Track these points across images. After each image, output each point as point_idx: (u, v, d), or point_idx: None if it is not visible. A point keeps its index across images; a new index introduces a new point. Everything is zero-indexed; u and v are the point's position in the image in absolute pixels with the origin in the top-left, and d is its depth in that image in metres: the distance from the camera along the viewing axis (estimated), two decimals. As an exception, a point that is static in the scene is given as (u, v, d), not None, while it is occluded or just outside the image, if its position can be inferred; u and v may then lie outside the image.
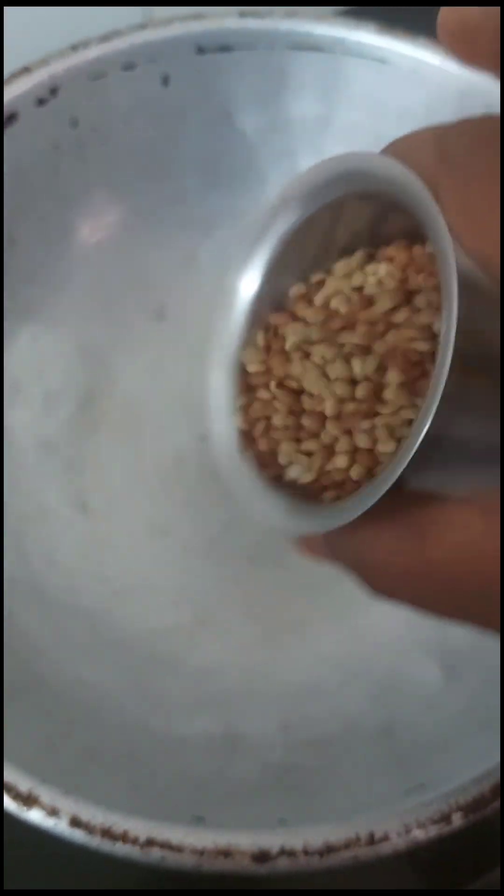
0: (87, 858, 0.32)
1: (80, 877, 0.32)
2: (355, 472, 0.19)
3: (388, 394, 0.18)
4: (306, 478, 0.20)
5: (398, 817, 0.24)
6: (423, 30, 0.36)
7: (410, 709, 0.31)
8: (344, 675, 0.34)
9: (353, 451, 0.19)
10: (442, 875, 0.33)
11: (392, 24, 0.37)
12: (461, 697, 0.30)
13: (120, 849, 0.24)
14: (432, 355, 0.18)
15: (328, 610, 0.36)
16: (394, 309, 0.19)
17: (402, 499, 0.17)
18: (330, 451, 0.19)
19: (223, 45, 0.36)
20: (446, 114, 0.37)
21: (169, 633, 0.35)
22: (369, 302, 0.20)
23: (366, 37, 0.36)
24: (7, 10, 0.41)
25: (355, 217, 0.21)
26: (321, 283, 0.21)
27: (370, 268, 0.20)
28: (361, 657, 0.34)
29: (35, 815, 0.24)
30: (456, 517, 0.16)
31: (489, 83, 0.35)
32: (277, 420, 0.20)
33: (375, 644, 0.34)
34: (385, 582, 0.18)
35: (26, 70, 0.34)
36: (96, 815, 0.24)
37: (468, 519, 0.16)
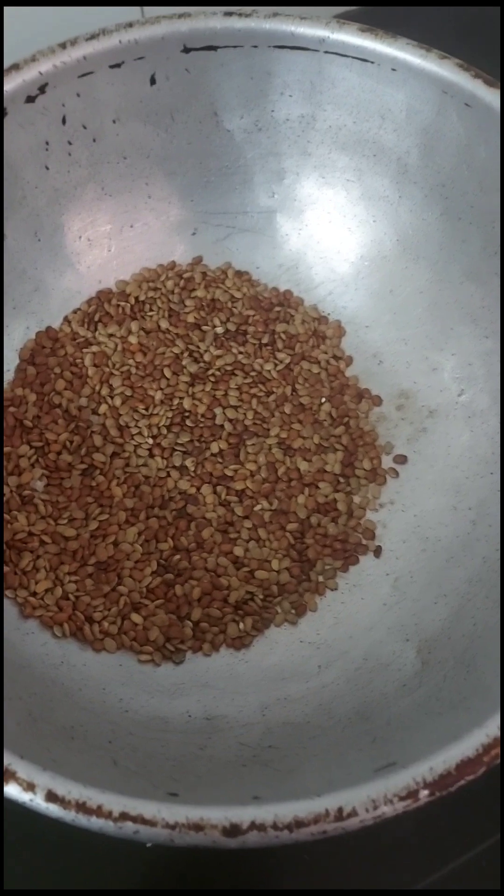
0: (86, 857, 0.33)
1: (81, 876, 0.33)
2: None
3: None
4: None
5: (367, 793, 0.24)
6: (415, 32, 0.37)
7: (386, 691, 0.32)
8: (323, 659, 0.34)
9: None
10: (440, 843, 0.34)
11: (381, 25, 0.38)
12: (435, 679, 0.31)
13: (94, 823, 0.24)
14: None
15: (309, 598, 0.37)
16: None
17: None
18: None
19: (209, 45, 0.37)
20: (427, 114, 0.38)
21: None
22: None
23: (347, 36, 0.36)
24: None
25: None
26: None
27: None
28: (340, 642, 0.35)
29: (12, 790, 0.25)
30: None
31: (469, 82, 0.36)
32: None
33: (354, 629, 0.35)
34: None
35: (15, 67, 0.35)
36: (72, 790, 0.25)
37: None
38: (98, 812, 0.24)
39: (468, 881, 0.34)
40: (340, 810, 0.24)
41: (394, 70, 0.36)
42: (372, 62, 0.37)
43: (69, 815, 0.24)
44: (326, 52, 0.37)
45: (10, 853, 0.33)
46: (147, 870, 0.33)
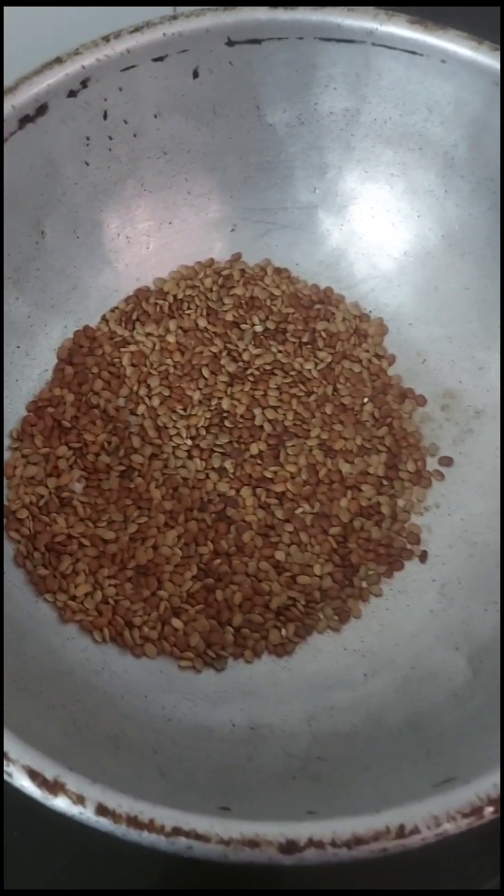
0: (87, 857, 0.32)
1: (81, 876, 0.33)
2: None
3: None
4: None
5: (428, 810, 0.24)
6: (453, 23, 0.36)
7: (437, 701, 0.31)
8: (369, 667, 0.33)
9: None
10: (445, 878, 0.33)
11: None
12: (488, 690, 0.30)
13: (146, 838, 0.24)
14: None
15: (353, 604, 0.36)
16: None
17: None
18: None
19: (253, 37, 0.36)
20: (476, 106, 0.37)
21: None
22: None
23: (396, 28, 0.36)
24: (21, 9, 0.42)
25: None
26: None
27: None
28: (386, 650, 0.34)
29: (61, 803, 0.24)
30: None
31: (521, 74, 0.34)
32: None
33: (400, 637, 0.34)
34: None
35: (58, 60, 0.34)
36: (122, 804, 0.24)
37: None
38: (150, 827, 0.24)
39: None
40: (402, 827, 0.23)
41: (443, 62, 0.35)
42: (421, 54, 0.36)
43: (120, 830, 0.24)
44: (374, 44, 0.36)
45: (10, 853, 0.32)
46: (147, 870, 0.32)
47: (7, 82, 0.34)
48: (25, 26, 0.43)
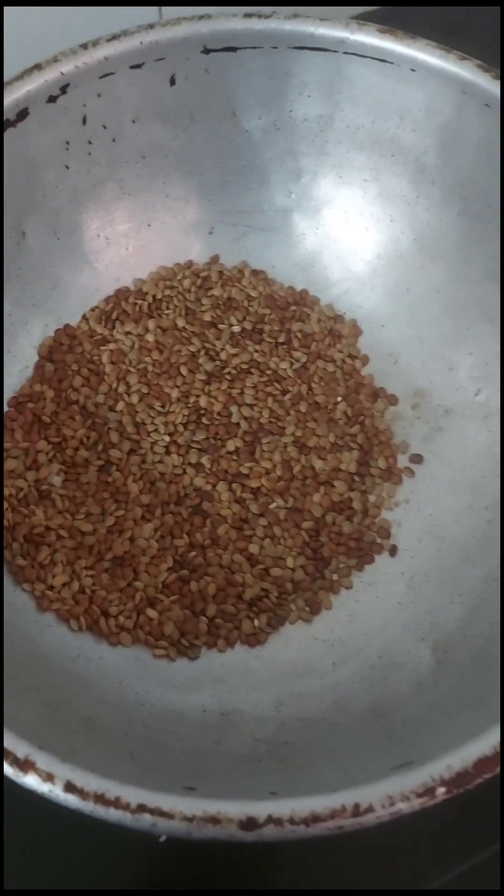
0: (87, 857, 0.33)
1: (81, 876, 0.33)
2: None
3: None
4: None
5: (384, 790, 0.25)
6: (424, 31, 0.37)
7: (401, 689, 0.32)
8: (338, 656, 0.34)
9: None
10: (439, 851, 0.34)
11: (396, 26, 0.38)
12: (451, 678, 0.31)
13: (112, 814, 0.25)
14: None
15: (324, 596, 0.37)
16: None
17: None
18: None
19: (228, 46, 0.37)
20: (446, 113, 0.38)
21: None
22: None
23: (367, 38, 0.37)
24: (20, 9, 0.43)
25: None
26: None
27: None
28: (355, 640, 0.35)
29: (31, 781, 0.25)
30: None
31: (489, 82, 0.36)
32: None
33: (368, 627, 0.35)
34: None
35: (37, 67, 0.35)
36: (90, 782, 0.25)
37: None
38: (116, 804, 0.25)
39: (474, 884, 0.34)
40: (357, 806, 0.24)
41: (413, 70, 0.36)
42: (391, 62, 0.37)
43: (87, 807, 0.25)
44: (346, 52, 0.37)
45: (11, 853, 0.33)
46: (147, 870, 0.33)
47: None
48: (25, 26, 0.44)
